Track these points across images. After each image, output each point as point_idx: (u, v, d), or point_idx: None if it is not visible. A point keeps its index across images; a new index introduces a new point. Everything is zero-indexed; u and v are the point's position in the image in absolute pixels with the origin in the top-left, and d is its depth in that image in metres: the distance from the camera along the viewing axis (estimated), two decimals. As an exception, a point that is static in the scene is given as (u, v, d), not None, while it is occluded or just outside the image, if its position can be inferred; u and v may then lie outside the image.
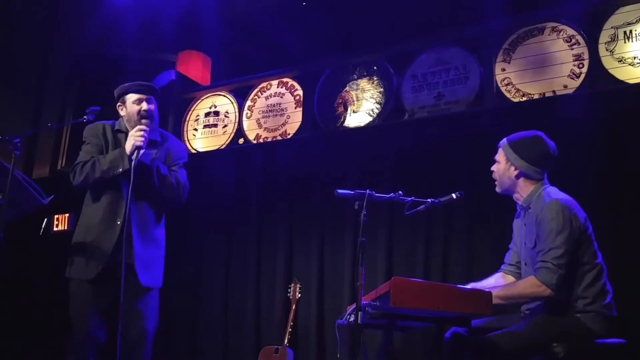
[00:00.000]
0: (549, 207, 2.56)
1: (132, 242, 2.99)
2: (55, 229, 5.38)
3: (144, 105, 3.12)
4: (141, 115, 3.11)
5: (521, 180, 2.74)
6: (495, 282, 2.84)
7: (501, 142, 2.85)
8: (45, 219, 5.31)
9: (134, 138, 2.97)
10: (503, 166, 2.78)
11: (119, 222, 3.01)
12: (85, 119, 3.15)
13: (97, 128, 3.20)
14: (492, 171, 2.87)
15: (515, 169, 2.74)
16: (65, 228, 5.34)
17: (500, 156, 2.82)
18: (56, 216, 5.38)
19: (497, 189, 2.86)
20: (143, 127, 3.02)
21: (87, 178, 3.03)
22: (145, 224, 3.08)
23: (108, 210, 3.05)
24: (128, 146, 2.98)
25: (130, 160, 2.95)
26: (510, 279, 2.86)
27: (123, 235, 2.91)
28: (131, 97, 3.15)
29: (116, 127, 3.21)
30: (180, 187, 3.17)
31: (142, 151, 2.97)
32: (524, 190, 2.75)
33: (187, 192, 3.23)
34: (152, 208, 3.14)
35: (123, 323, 2.89)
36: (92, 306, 2.99)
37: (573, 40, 3.98)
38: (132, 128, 3.09)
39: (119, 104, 3.21)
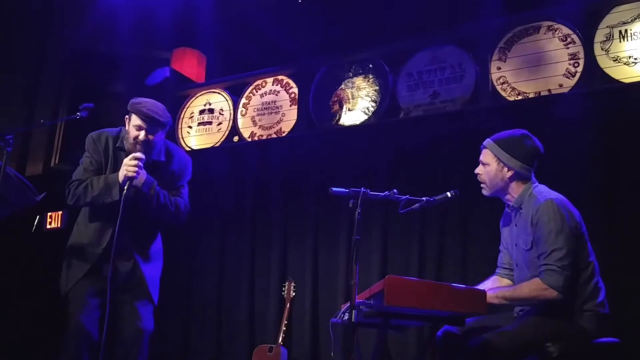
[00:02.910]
0: (545, 207, 2.51)
1: (141, 268, 3.04)
2: (48, 226, 5.35)
3: (141, 136, 2.98)
4: (137, 142, 3.00)
5: (514, 182, 2.67)
6: (492, 286, 2.78)
7: (485, 142, 2.76)
8: (38, 216, 5.28)
9: (126, 169, 2.89)
10: (494, 167, 2.68)
11: (100, 250, 3.00)
12: (78, 115, 3.13)
13: (99, 140, 3.11)
14: (477, 174, 2.77)
15: (509, 170, 2.66)
16: (59, 226, 5.31)
17: (487, 157, 2.72)
18: (49, 214, 5.35)
19: (485, 192, 2.76)
20: (138, 155, 2.92)
21: (79, 200, 3.01)
22: (142, 247, 3.10)
23: (94, 235, 3.04)
24: (120, 175, 2.91)
25: (121, 190, 2.89)
26: (506, 282, 2.82)
27: (107, 253, 2.91)
28: (135, 120, 3.01)
29: (118, 144, 3.12)
30: (179, 213, 3.13)
31: (136, 180, 2.91)
32: (515, 191, 2.69)
33: (187, 214, 3.20)
34: (148, 230, 3.15)
35: (120, 323, 2.95)
36: (92, 308, 2.97)
37: (568, 39, 3.98)
38: (130, 147, 3.02)
39: (127, 116, 3.09)
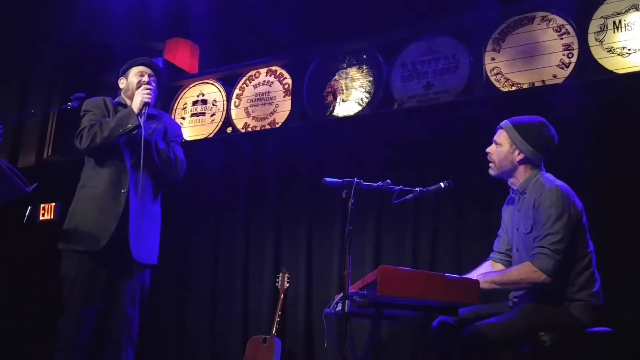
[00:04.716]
0: (548, 193, 2.53)
1: (129, 213, 2.96)
2: (41, 218, 5.33)
3: (145, 78, 3.19)
4: (141, 83, 3.15)
5: (522, 166, 2.69)
6: (485, 271, 2.78)
7: (502, 123, 2.76)
8: (29, 207, 5.26)
9: (142, 95, 3.04)
10: (506, 149, 2.69)
11: (123, 192, 2.98)
12: (69, 105, 3.16)
13: (98, 100, 3.21)
14: (488, 153, 2.78)
15: (520, 154, 2.67)
16: (52, 217, 5.29)
17: (501, 138, 2.73)
18: (42, 205, 5.34)
19: (492, 172, 2.77)
20: (148, 85, 3.11)
21: (95, 138, 2.97)
22: (142, 197, 3.06)
23: (112, 179, 3.00)
24: (136, 103, 3.04)
25: (139, 116, 3.00)
26: (500, 267, 2.83)
27: (128, 205, 2.95)
28: (135, 69, 3.22)
29: (116, 101, 3.24)
30: (178, 161, 3.18)
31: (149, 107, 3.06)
32: (522, 176, 2.70)
33: (184, 168, 3.24)
34: (149, 182, 3.12)
35: (111, 305, 2.93)
36: (90, 282, 2.91)
37: (563, 30, 3.97)
38: (130, 99, 3.15)
39: (121, 78, 3.26)
